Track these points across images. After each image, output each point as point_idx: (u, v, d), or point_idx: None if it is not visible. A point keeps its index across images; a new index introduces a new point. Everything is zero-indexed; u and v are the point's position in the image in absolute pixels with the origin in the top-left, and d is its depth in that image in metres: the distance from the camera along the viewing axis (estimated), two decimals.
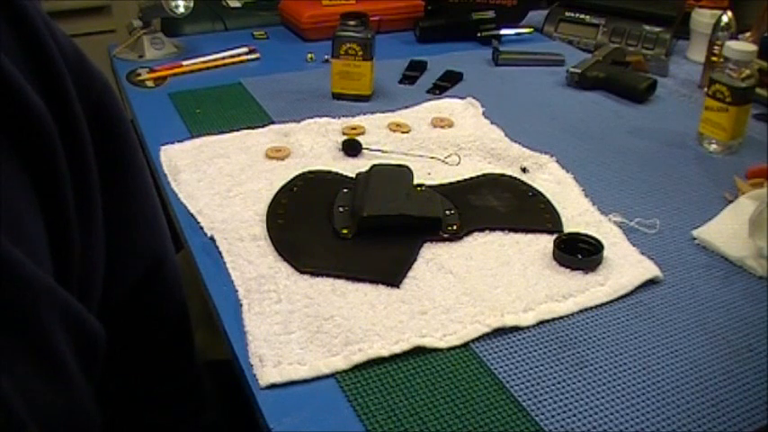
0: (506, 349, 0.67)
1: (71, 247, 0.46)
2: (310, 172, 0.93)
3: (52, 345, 0.42)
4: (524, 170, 0.96)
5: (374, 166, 0.89)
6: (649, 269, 0.77)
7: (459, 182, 0.93)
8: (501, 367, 0.65)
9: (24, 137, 0.42)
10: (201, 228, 0.83)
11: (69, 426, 0.44)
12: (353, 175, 0.91)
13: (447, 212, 0.84)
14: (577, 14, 1.51)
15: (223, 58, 1.33)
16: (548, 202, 0.89)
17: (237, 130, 1.05)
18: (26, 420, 0.39)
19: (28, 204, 0.42)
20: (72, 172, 0.45)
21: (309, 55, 1.37)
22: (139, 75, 1.26)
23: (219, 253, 0.78)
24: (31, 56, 0.44)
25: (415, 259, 0.77)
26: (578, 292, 0.74)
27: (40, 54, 0.44)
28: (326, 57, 1.27)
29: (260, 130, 1.06)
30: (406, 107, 1.15)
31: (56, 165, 0.44)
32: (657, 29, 1.42)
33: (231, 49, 1.35)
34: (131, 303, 0.57)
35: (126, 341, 0.57)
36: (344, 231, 0.80)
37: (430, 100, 1.19)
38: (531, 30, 1.50)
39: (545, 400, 0.61)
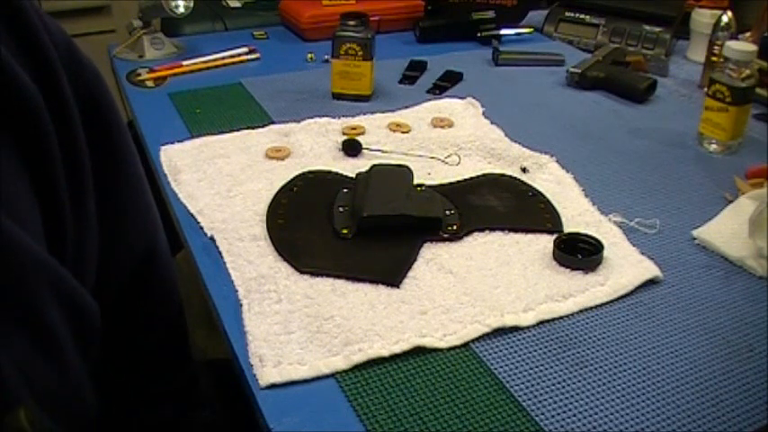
0: (506, 349, 0.67)
1: (65, 232, 0.46)
2: (310, 172, 0.93)
3: (46, 318, 0.43)
4: (524, 170, 0.96)
5: (374, 166, 0.89)
6: (649, 269, 0.77)
7: (459, 182, 0.93)
8: (501, 367, 0.65)
9: (19, 121, 0.43)
10: (201, 228, 0.83)
11: (65, 403, 0.45)
12: (353, 175, 0.91)
13: (447, 212, 0.84)
14: (577, 14, 1.51)
15: (223, 58, 1.33)
16: (548, 202, 0.89)
17: (237, 130, 1.05)
18: (22, 394, 0.39)
19: (22, 188, 0.43)
20: (64, 157, 0.46)
21: (309, 55, 1.37)
22: (139, 75, 1.26)
23: (219, 253, 0.78)
24: (25, 45, 0.45)
25: (415, 259, 0.77)
26: (578, 292, 0.74)
27: (32, 43, 0.45)
28: (326, 57, 1.27)
29: (260, 130, 1.06)
30: (406, 107, 1.15)
31: (49, 148, 0.44)
32: (657, 29, 1.42)
33: (231, 49, 1.35)
34: (125, 295, 0.57)
35: (121, 336, 0.57)
36: (344, 231, 0.80)
37: (430, 100, 1.19)
38: (531, 30, 1.50)
39: (545, 400, 0.61)
